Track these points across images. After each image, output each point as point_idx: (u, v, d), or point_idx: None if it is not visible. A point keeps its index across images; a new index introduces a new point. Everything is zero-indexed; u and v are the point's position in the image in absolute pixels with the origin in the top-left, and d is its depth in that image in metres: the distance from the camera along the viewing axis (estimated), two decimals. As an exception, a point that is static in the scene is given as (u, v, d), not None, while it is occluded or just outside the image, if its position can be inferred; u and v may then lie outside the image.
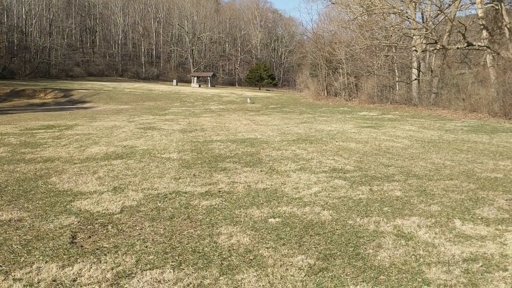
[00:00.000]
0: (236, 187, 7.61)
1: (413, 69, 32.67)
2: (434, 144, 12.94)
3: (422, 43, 30.21)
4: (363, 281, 3.95)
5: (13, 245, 4.83)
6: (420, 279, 3.99)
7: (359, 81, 40.03)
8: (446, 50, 29.08)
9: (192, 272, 4.15)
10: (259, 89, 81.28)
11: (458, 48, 28.52)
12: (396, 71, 36.47)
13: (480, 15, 26.45)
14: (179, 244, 4.90)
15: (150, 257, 4.53)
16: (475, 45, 26.83)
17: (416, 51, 31.17)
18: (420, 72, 31.78)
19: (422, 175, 8.56)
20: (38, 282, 3.92)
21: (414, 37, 31.26)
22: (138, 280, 3.97)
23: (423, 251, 4.67)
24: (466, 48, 28.03)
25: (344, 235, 5.20)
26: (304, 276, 4.06)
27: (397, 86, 35.48)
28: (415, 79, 31.98)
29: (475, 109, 24.40)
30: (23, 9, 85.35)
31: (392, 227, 5.45)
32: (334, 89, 44.26)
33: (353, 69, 40.71)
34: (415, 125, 19.19)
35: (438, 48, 28.90)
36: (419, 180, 8.11)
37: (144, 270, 4.19)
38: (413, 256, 4.54)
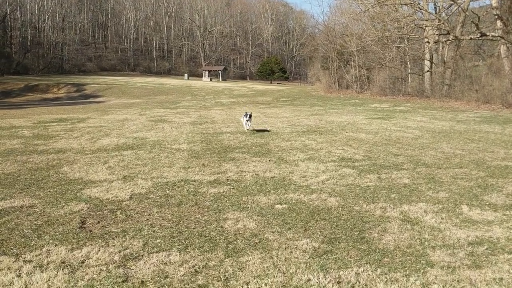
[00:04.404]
0: (244, 175, 7.65)
1: (425, 60, 32.33)
2: (445, 134, 12.84)
3: (434, 34, 29.86)
4: (366, 263, 3.98)
5: (24, 230, 4.94)
6: (424, 261, 4.00)
7: (371, 74, 39.73)
8: (459, 41, 28.69)
9: (198, 255, 4.21)
10: (270, 82, 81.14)
11: (471, 39, 28.11)
12: (408, 63, 36.14)
13: (494, 4, 26.04)
14: (186, 229, 4.97)
15: (157, 241, 4.60)
16: (489, 35, 26.42)
17: (428, 42, 30.83)
18: (433, 64, 31.45)
19: (431, 163, 8.51)
20: (48, 264, 4.02)
21: (426, 28, 30.89)
22: (144, 262, 4.04)
23: (429, 235, 4.67)
24: (480, 38, 27.62)
25: (349, 220, 5.22)
26: (308, 258, 4.10)
27: (409, 78, 35.17)
28: (428, 71, 31.67)
29: (488, 101, 24.09)
30: (36, 4, 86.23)
31: (398, 213, 5.45)
32: (346, 81, 44.00)
33: (365, 61, 40.42)
34: (427, 116, 19.04)
35: (451, 39, 28.54)
36: (428, 168, 8.07)
37: (151, 253, 4.26)
38: (418, 240, 4.55)
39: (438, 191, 6.46)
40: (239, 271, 3.84)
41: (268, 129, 14.30)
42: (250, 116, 13.51)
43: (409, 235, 4.68)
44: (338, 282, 3.61)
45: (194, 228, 4.98)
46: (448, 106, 24.62)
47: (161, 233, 4.83)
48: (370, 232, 4.80)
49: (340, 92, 42.23)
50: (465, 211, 5.50)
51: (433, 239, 4.56)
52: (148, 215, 5.49)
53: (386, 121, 16.89)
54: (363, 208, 5.67)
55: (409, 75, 35.19)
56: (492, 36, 26.27)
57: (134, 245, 4.46)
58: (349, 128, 14.73)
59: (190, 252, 4.28)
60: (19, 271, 3.85)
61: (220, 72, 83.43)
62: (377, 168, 8.16)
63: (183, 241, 4.58)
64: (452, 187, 6.69)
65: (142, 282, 3.65)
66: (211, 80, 77.85)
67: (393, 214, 5.42)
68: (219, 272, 3.82)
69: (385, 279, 3.65)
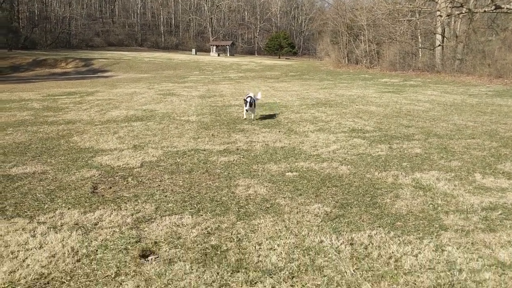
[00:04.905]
0: (254, 145, 7.63)
1: (437, 34, 31.72)
2: (456, 107, 12.67)
3: (447, 7, 29.21)
4: (379, 227, 3.96)
5: (37, 194, 4.98)
6: (437, 225, 3.98)
7: (381, 48, 39.17)
8: (473, 14, 28.09)
9: (210, 218, 4.22)
10: (279, 57, 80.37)
11: (485, 11, 27.50)
12: (419, 37, 35.52)
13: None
14: (197, 194, 4.97)
15: (169, 205, 4.62)
16: (503, 7, 25.80)
17: (440, 16, 30.18)
18: (445, 38, 30.87)
19: (443, 134, 8.42)
20: (61, 225, 4.05)
21: (438, 1, 30.20)
22: (157, 224, 4.06)
23: (441, 201, 4.64)
24: (494, 11, 27.01)
25: (361, 187, 5.19)
26: (320, 221, 4.09)
27: (420, 53, 34.63)
28: (439, 45, 31.11)
29: (501, 75, 23.71)
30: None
31: (410, 180, 5.42)
32: (355, 56, 43.49)
33: (375, 35, 39.81)
34: (438, 90, 18.79)
35: (464, 12, 27.94)
36: (440, 139, 7.99)
37: (163, 216, 4.28)
38: (431, 205, 4.52)
39: (451, 160, 6.40)
40: (251, 233, 3.85)
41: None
42: (253, 102, 10.32)
43: (421, 201, 4.65)
44: (351, 244, 3.60)
45: (205, 194, 4.99)
46: (459, 81, 24.27)
47: (173, 197, 4.85)
48: (382, 198, 4.77)
49: (349, 67, 41.77)
50: (478, 179, 5.44)
51: (446, 205, 4.53)
52: (160, 181, 5.51)
53: (396, 95, 16.70)
54: (374, 176, 5.64)
55: (420, 49, 34.63)
56: (507, 8, 25.65)
57: (146, 209, 4.47)
58: (359, 101, 14.59)
59: (202, 215, 4.29)
60: (34, 231, 3.88)
61: (228, 47, 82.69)
62: (388, 138, 8.09)
63: (195, 205, 4.59)
64: (465, 157, 6.62)
65: (155, 242, 3.67)
66: (219, 55, 77.27)
67: (405, 181, 5.39)
68: (231, 234, 3.83)
69: (398, 241, 3.64)
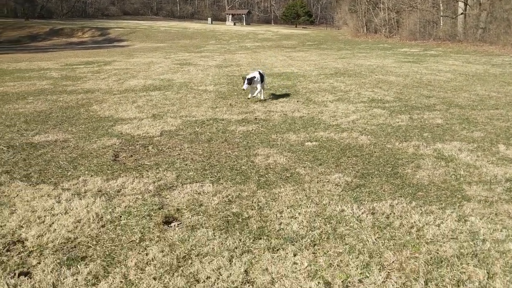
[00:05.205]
0: (272, 115, 7.59)
1: (459, 2, 30.73)
2: (479, 78, 12.37)
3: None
4: (401, 196, 3.94)
5: (60, 162, 5.06)
6: (460, 196, 3.94)
7: (401, 17, 38.15)
8: (498, -20, 27.03)
9: (230, 186, 4.25)
10: (295, 26, 79.00)
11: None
12: (440, 5, 34.41)
13: None
14: (217, 163, 5.00)
15: (190, 173, 4.65)
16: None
17: (464, -18, 29.15)
18: (467, 6, 29.88)
19: (465, 105, 8.26)
20: (85, 192, 4.12)
21: (463, -34, 29.12)
22: (179, 192, 4.11)
23: (464, 172, 4.58)
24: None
25: (382, 157, 5.15)
26: (341, 191, 4.09)
27: (441, 22, 33.64)
28: (461, 14, 30.17)
29: (526, 44, 22.97)
30: None
31: (432, 151, 5.35)
32: (374, 25, 42.50)
33: (395, 3, 38.72)
34: (459, 60, 18.34)
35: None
36: (462, 109, 7.84)
37: (184, 184, 4.32)
38: (453, 176, 4.47)
39: (473, 131, 6.29)
40: (272, 201, 3.87)
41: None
42: (251, 79, 8.56)
43: (443, 171, 4.60)
44: (373, 213, 3.59)
45: (225, 162, 5.01)
46: (482, 50, 23.62)
47: (193, 166, 4.88)
48: (403, 168, 4.73)
49: (368, 36, 40.92)
50: (501, 150, 5.35)
51: (469, 175, 4.48)
52: (180, 150, 5.54)
53: (416, 65, 16.35)
54: (395, 146, 5.58)
55: (441, 18, 33.62)
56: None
57: (168, 177, 4.52)
58: (378, 71, 14.33)
59: (222, 183, 4.32)
60: (59, 197, 3.96)
61: (244, 16, 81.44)
62: (408, 109, 7.97)
63: (215, 174, 4.61)
64: (488, 127, 6.49)
65: (178, 209, 3.72)
66: (234, 24, 76.24)
67: (427, 151, 5.32)
68: (252, 202, 3.86)
69: (420, 211, 3.62)
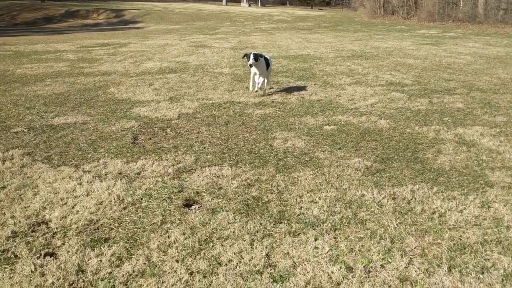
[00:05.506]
0: (290, 98, 7.54)
1: (481, -18, 29.91)
2: (500, 60, 12.10)
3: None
4: (421, 182, 3.90)
5: (80, 144, 5.11)
6: (482, 182, 3.89)
7: (419, -2, 37.33)
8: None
9: (249, 170, 4.25)
10: (311, 8, 77.94)
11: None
12: (461, -15, 33.58)
13: None
14: (235, 146, 5.00)
15: (208, 156, 4.66)
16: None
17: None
18: (489, -14, 29.08)
19: (487, 89, 8.10)
20: (106, 174, 4.16)
21: None
22: (198, 175, 4.12)
23: (486, 157, 4.51)
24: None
25: (402, 141, 5.10)
26: (361, 175, 4.06)
27: (460, 2, 32.81)
28: (483, -6, 29.38)
29: (549, 26, 22.34)
30: None
31: (453, 135, 5.27)
32: (391, 6, 41.65)
33: (414, -16, 37.85)
34: (480, 42, 17.94)
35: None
36: (483, 93, 7.69)
37: (203, 167, 4.33)
38: (475, 161, 4.41)
39: (495, 115, 6.17)
40: (291, 186, 3.86)
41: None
42: (258, 55, 7.12)
43: (465, 156, 4.54)
44: (393, 198, 3.57)
45: (243, 146, 5.01)
46: (503, 32, 23.06)
47: (212, 149, 4.89)
48: (423, 153, 4.68)
49: (385, 18, 40.18)
50: (525, 135, 5.25)
51: (492, 161, 4.41)
52: (197, 133, 5.55)
53: (435, 47, 16.05)
54: (415, 131, 5.51)
55: (462, -2, 32.81)
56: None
57: (187, 160, 4.53)
58: (396, 53, 14.10)
59: (241, 167, 4.32)
60: (80, 180, 4.01)
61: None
62: (428, 92, 7.84)
63: (234, 157, 4.62)
64: (510, 112, 6.37)
65: (197, 192, 3.73)
66: (249, 5, 75.46)
67: (447, 136, 5.25)
68: (271, 186, 3.85)
69: (442, 197, 3.58)
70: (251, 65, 7.15)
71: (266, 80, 7.65)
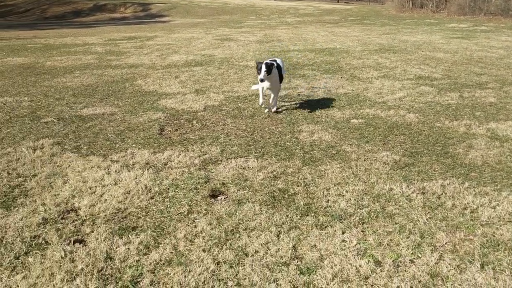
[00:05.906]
0: (316, 91, 7.47)
1: (514, -26, 28.96)
2: (534, 54, 11.71)
3: None
4: (452, 177, 3.81)
5: (108, 134, 5.17)
6: (516, 178, 3.77)
7: (449, -10, 36.43)
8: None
9: (275, 162, 4.22)
10: (338, 1, 77.05)
11: None
12: (494, -23, 32.62)
13: None
14: (261, 138, 4.98)
15: (234, 148, 4.66)
16: None
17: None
18: (523, -22, 28.14)
19: (520, 83, 7.85)
20: (133, 164, 4.20)
21: None
22: (224, 166, 4.12)
23: (520, 153, 4.37)
24: None
25: (431, 135, 4.98)
26: (390, 169, 3.99)
27: (493, -5, 31.89)
28: (516, -14, 28.46)
29: None
30: None
31: (484, 130, 5.13)
32: (420, 0, 40.81)
33: (444, -24, 36.98)
34: (513, 36, 17.40)
35: None
36: (517, 88, 7.45)
37: (229, 159, 4.33)
38: (508, 157, 4.27)
39: (529, 111, 5.97)
40: (318, 179, 3.82)
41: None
42: (271, 66, 5.61)
43: (498, 152, 4.41)
44: (423, 193, 3.49)
45: (269, 138, 4.98)
46: (537, 26, 22.30)
47: (237, 141, 4.88)
48: (454, 148, 4.56)
49: (413, 11, 39.41)
50: (561, 131, 5.06)
51: (526, 157, 4.27)
52: (223, 125, 5.55)
53: (466, 41, 15.64)
54: (445, 125, 5.38)
55: (494, -9, 31.86)
56: None
57: (212, 151, 4.54)
58: (425, 47, 13.80)
59: (267, 159, 4.30)
60: (108, 169, 4.06)
61: (284, -9, 79.97)
62: (458, 86, 7.65)
63: (259, 149, 4.60)
64: (545, 107, 6.15)
65: (223, 183, 3.73)
66: (275, -1, 75.07)
67: (479, 131, 5.10)
68: (298, 178, 3.82)
69: (474, 192, 3.48)
70: (262, 80, 5.56)
71: (277, 95, 6.09)
